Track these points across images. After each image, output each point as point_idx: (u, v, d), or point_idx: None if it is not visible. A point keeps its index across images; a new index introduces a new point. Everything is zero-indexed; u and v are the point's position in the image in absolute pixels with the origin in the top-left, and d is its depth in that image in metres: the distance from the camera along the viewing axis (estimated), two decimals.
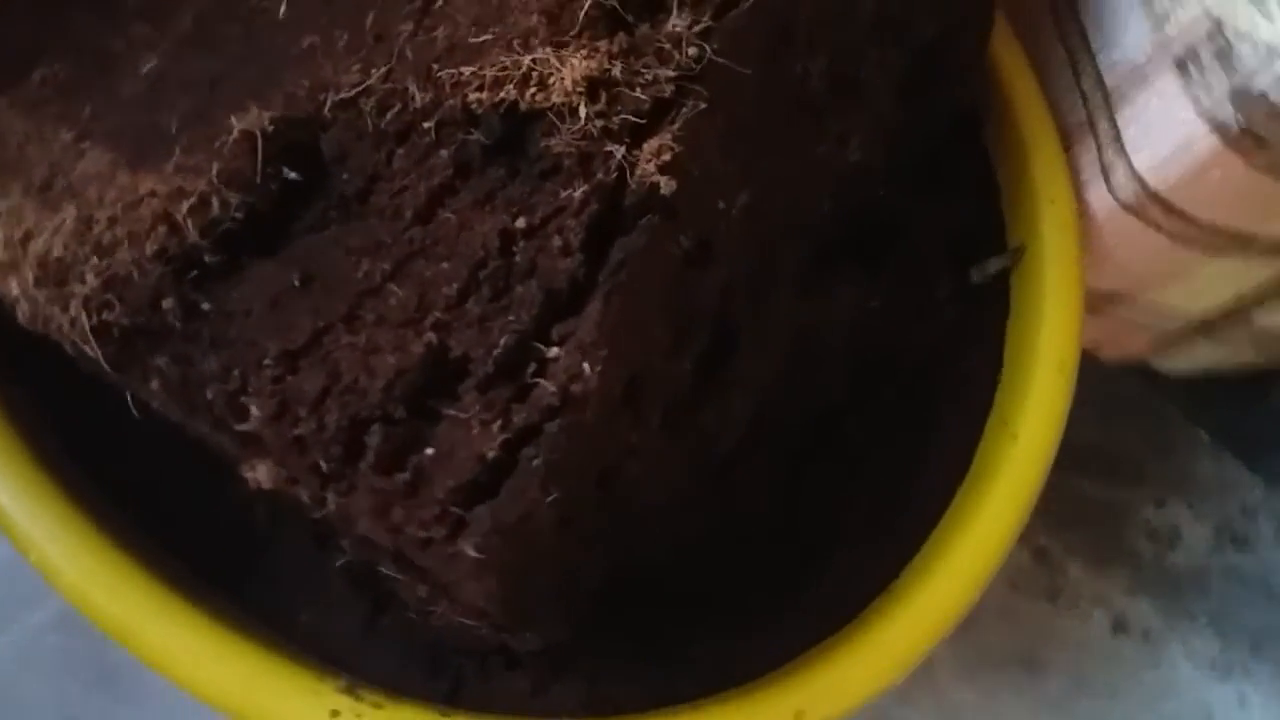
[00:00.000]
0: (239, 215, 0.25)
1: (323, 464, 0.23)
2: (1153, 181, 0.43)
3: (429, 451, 0.23)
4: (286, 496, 0.25)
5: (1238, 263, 0.47)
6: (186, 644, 0.32)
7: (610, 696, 0.36)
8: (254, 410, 0.24)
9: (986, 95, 0.47)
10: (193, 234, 0.25)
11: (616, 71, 0.26)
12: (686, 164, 0.26)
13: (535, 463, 0.23)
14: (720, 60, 0.27)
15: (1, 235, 0.26)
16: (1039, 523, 0.64)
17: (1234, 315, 0.54)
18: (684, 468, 0.34)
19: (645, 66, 0.26)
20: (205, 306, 0.25)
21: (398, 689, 0.34)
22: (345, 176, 0.26)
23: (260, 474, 0.25)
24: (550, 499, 0.24)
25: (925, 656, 0.36)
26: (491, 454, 0.23)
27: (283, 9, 0.29)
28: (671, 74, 0.26)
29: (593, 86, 0.26)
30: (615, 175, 0.25)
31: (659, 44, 0.26)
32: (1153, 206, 0.44)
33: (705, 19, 0.27)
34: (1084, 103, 0.46)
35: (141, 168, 0.26)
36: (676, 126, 0.26)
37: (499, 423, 0.23)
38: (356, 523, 0.24)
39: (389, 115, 0.26)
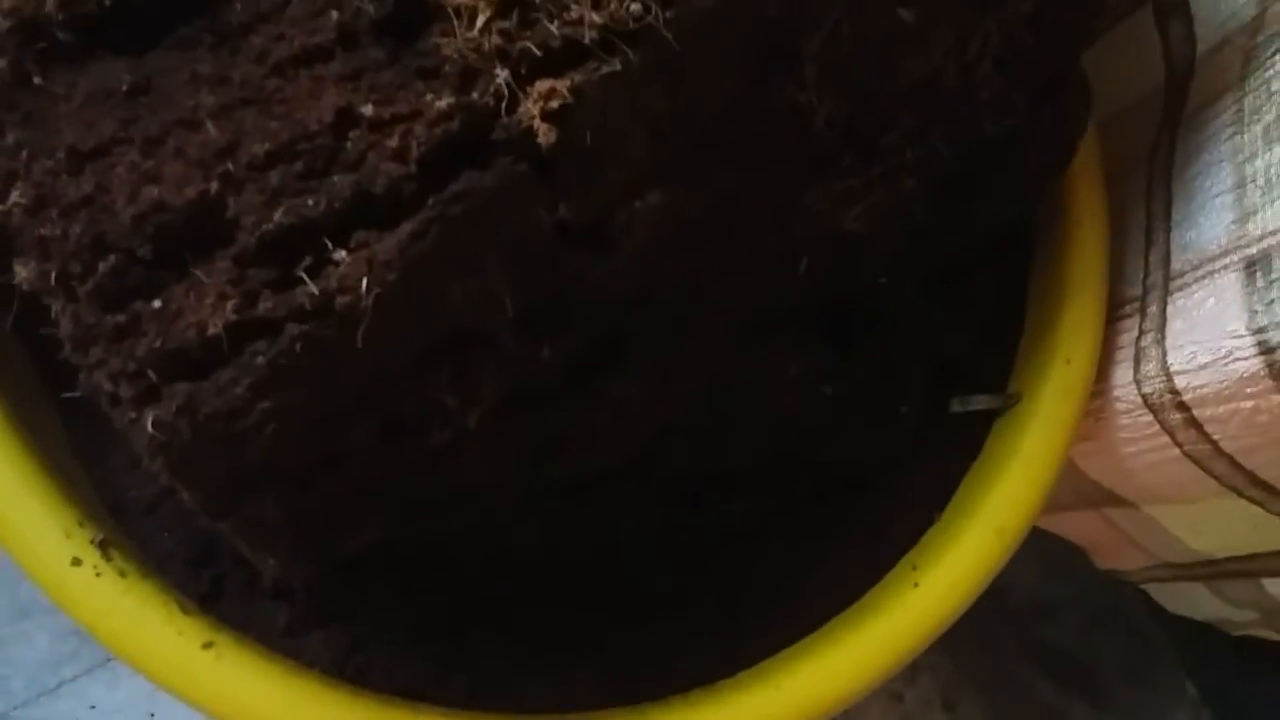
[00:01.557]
0: (107, 3, 0.23)
1: (54, 275, 0.21)
2: (1182, 386, 0.38)
3: (155, 303, 0.21)
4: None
5: (1256, 513, 0.42)
6: None
7: (369, 666, 0.33)
8: (14, 195, 0.22)
9: (1047, 223, 0.43)
10: (51, 5, 0.23)
11: None
12: (578, 122, 0.23)
13: (260, 359, 0.20)
14: (666, 34, 0.24)
15: None
16: (972, 700, 0.59)
17: (1244, 573, 0.48)
18: (522, 465, 0.31)
19: (575, 1, 0.23)
20: (36, 80, 0.23)
21: (157, 567, 0.32)
22: (237, 5, 0.24)
23: (23, 271, 0.23)
24: (266, 408, 0.21)
25: None
26: (214, 330, 0.20)
27: None
28: (599, 21, 0.23)
29: (506, 1, 0.23)
30: (491, 102, 0.23)
31: None
32: (1175, 413, 0.39)
33: None
34: (1144, 277, 0.41)
35: None
36: (579, 78, 0.23)
37: (237, 301, 0.21)
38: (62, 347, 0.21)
39: None
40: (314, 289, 0.21)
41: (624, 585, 0.36)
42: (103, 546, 0.31)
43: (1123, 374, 0.41)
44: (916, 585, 0.35)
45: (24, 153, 0.22)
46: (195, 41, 0.24)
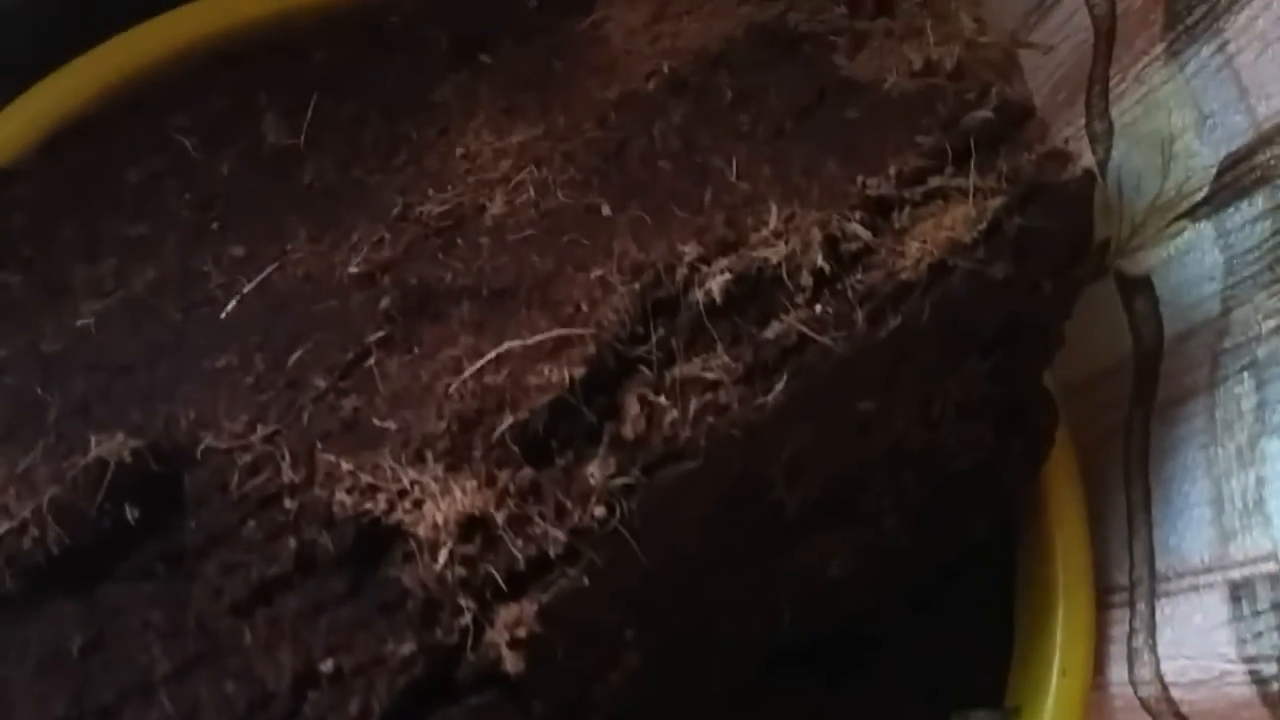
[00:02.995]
0: (54, 552, 0.23)
1: None
2: (1178, 698, 0.37)
3: None
4: None
5: None
6: None
7: None
8: None
9: (1027, 520, 0.43)
10: None
11: (501, 517, 0.22)
12: (549, 642, 0.22)
13: None
14: (625, 533, 0.23)
15: None
16: None
17: None
18: None
19: (539, 516, 0.23)
20: None
21: None
22: (192, 525, 0.24)
23: None
24: None
25: None
26: None
27: (230, 307, 0.28)
28: (562, 536, 0.22)
29: (469, 526, 0.22)
30: (457, 638, 0.22)
31: (561, 497, 0.23)
32: None
33: (633, 471, 0.24)
34: (1130, 569, 0.41)
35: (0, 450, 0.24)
36: (547, 597, 0.22)
37: None
38: None
39: (256, 479, 0.24)
40: None
41: None
42: None
43: (1118, 671, 0.40)
44: None
45: None
46: (148, 571, 0.23)
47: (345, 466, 0.23)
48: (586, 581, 0.22)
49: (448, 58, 0.36)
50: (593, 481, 0.23)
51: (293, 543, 0.23)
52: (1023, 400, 0.37)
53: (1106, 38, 0.44)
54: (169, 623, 0.22)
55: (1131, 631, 0.40)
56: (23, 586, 0.23)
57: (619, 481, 0.23)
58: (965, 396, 0.34)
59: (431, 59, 0.36)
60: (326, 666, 0.21)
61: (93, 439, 0.24)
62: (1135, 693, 0.39)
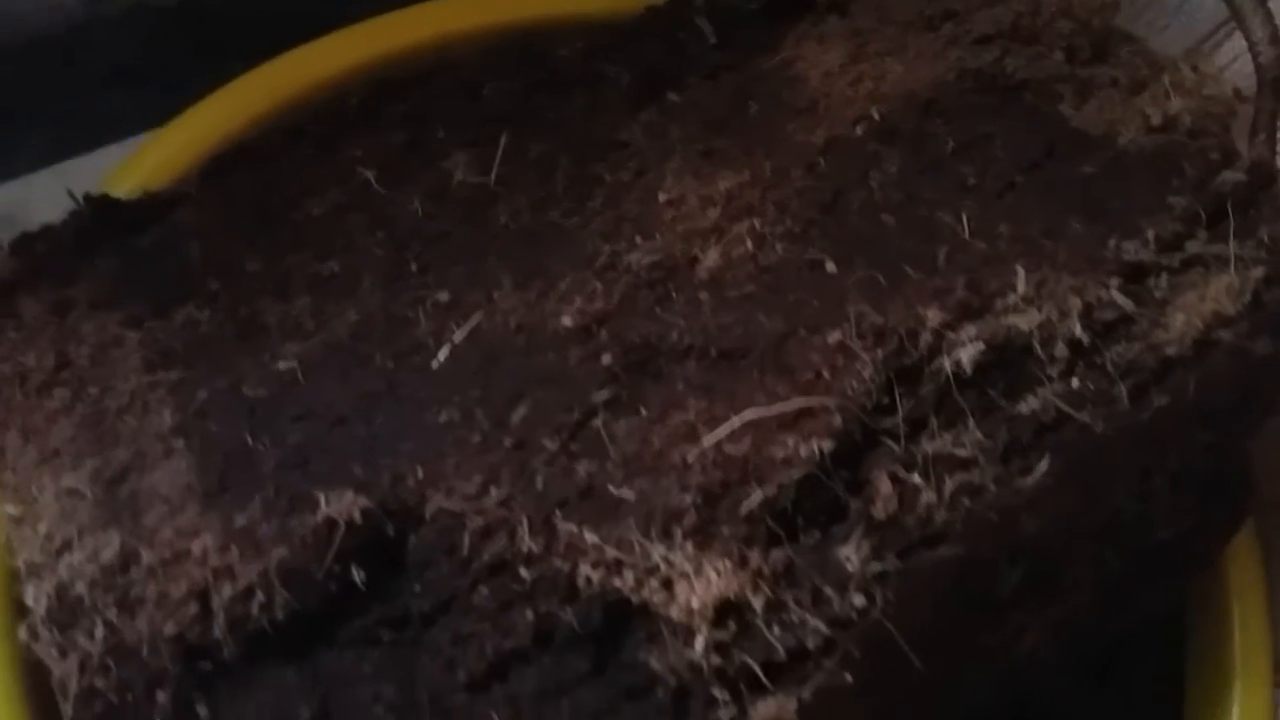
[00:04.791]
0: (279, 618, 0.22)
1: None
2: None
3: None
4: None
5: None
6: None
7: None
8: None
9: (1203, 597, 0.40)
10: (221, 626, 0.21)
11: (758, 602, 0.21)
12: None
13: None
14: (890, 614, 0.22)
15: (46, 528, 0.23)
16: None
17: None
18: None
19: (796, 603, 0.21)
20: (201, 711, 0.21)
21: None
22: (417, 589, 0.22)
23: None
24: None
25: None
26: None
27: (441, 355, 0.27)
28: (823, 627, 0.21)
29: (722, 610, 0.21)
30: None
31: (818, 583, 0.21)
32: None
33: (888, 556, 0.22)
34: None
35: (213, 508, 0.23)
36: (806, 692, 0.21)
37: None
38: None
39: (490, 544, 0.22)
40: None
41: None
42: None
43: None
44: None
45: None
46: (373, 638, 0.22)
47: (590, 539, 0.22)
48: (848, 678, 0.21)
49: (630, 95, 0.35)
50: (849, 567, 0.22)
51: (530, 615, 0.22)
52: (1228, 469, 0.35)
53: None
54: (400, 697, 0.21)
55: None
56: (243, 652, 0.22)
57: (876, 567, 0.22)
58: (1181, 469, 0.32)
59: (613, 96, 0.35)
60: None
61: (321, 496, 0.23)
62: None
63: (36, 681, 0.27)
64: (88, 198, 0.32)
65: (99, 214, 0.32)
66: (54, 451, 0.25)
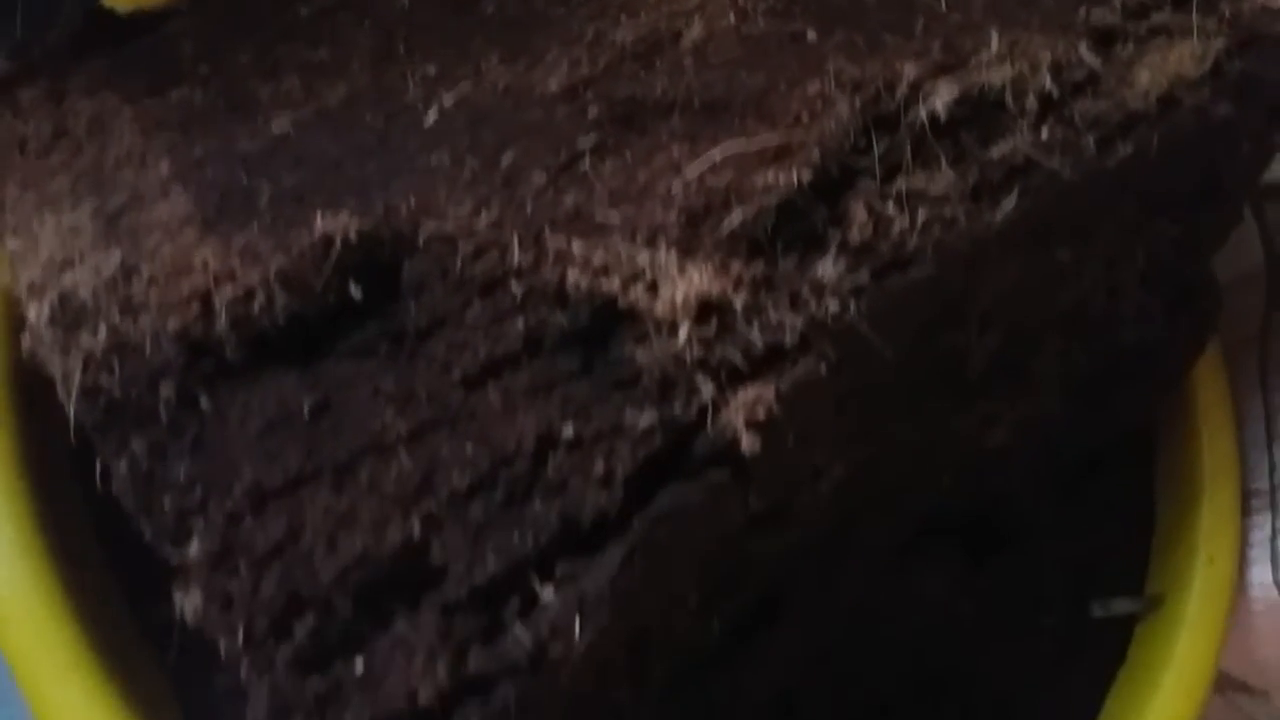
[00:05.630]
0: (280, 321, 0.22)
1: (241, 630, 0.20)
2: None
3: (358, 664, 0.19)
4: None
5: None
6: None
7: None
8: (195, 542, 0.20)
9: (1171, 415, 0.42)
10: (223, 325, 0.22)
11: (738, 300, 0.22)
12: (782, 427, 0.22)
13: None
14: (864, 327, 0.23)
15: (47, 253, 0.24)
16: None
17: None
18: None
19: (773, 305, 0.22)
20: (203, 404, 0.22)
21: None
22: (412, 310, 0.23)
23: (188, 605, 0.21)
24: None
25: None
26: (425, 697, 0.19)
27: (430, 116, 0.27)
28: (800, 324, 0.22)
29: (705, 308, 0.22)
30: (694, 415, 0.21)
31: (796, 288, 0.22)
32: None
33: (862, 275, 0.23)
34: (1271, 472, 0.40)
35: (212, 232, 0.24)
36: (785, 383, 0.22)
37: (447, 659, 0.19)
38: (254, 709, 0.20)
39: (481, 263, 0.23)
40: (525, 639, 0.19)
41: None
42: None
43: (1260, 574, 0.39)
44: None
45: (198, 489, 0.21)
46: (371, 349, 0.23)
47: (578, 249, 0.22)
48: (823, 371, 0.22)
49: None
50: (825, 279, 0.23)
51: (520, 324, 0.23)
52: (1193, 281, 0.36)
53: None
54: (400, 391, 0.22)
55: (1275, 532, 0.39)
56: (245, 356, 0.23)
57: (850, 281, 0.23)
58: (1148, 264, 0.33)
59: None
60: (567, 432, 0.21)
61: (318, 215, 0.24)
62: None
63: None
64: (83, 7, 0.32)
65: (93, 21, 0.32)
66: (53, 197, 0.26)
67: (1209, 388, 0.41)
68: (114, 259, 0.23)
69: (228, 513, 0.20)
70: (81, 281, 0.23)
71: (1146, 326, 0.35)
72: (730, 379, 0.22)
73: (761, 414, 0.21)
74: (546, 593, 0.20)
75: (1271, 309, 0.43)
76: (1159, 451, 0.42)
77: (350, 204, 0.24)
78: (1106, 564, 0.40)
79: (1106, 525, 0.41)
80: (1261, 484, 0.41)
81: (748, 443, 0.21)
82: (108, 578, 0.32)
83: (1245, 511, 0.41)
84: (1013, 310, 0.29)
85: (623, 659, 0.24)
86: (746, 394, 0.21)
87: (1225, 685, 0.46)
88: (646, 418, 0.21)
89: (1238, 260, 0.44)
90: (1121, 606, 0.39)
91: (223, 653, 0.21)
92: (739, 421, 0.21)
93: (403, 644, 0.19)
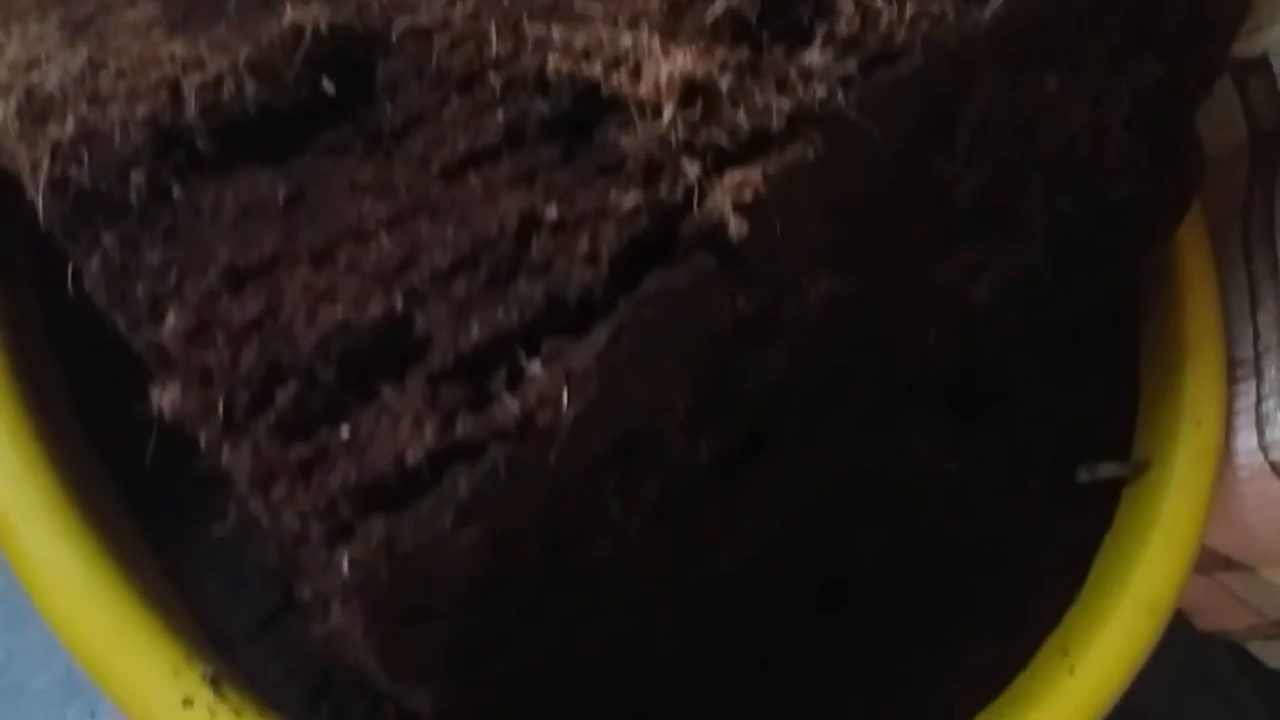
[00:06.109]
0: (251, 111, 0.22)
1: (221, 405, 0.19)
2: None
3: (343, 430, 0.19)
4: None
5: None
6: (63, 565, 0.28)
7: None
8: (171, 318, 0.20)
9: (1154, 282, 0.42)
10: (192, 111, 0.21)
11: (723, 82, 0.21)
12: (770, 213, 0.21)
13: (461, 486, 0.19)
14: (852, 116, 0.22)
15: (12, 57, 0.23)
16: None
17: None
18: (667, 568, 0.29)
19: (760, 89, 0.22)
20: (175, 193, 0.21)
21: (270, 702, 0.29)
22: (388, 110, 0.23)
23: (166, 398, 0.21)
24: (466, 538, 0.19)
25: None
26: (413, 458, 0.18)
27: None
28: (786, 107, 0.21)
29: (690, 90, 0.21)
30: (680, 197, 0.21)
31: (784, 73, 0.22)
32: None
33: (849, 65, 0.23)
34: (1255, 339, 0.40)
35: (180, 33, 0.23)
36: (772, 167, 0.21)
37: (435, 424, 0.19)
38: (238, 484, 0.19)
39: (457, 56, 0.23)
40: (513, 407, 0.19)
41: (758, 691, 0.34)
42: (214, 683, 0.28)
43: (1246, 441, 0.40)
44: (1072, 671, 0.33)
45: (174, 272, 0.21)
46: (345, 147, 0.22)
47: (558, 34, 0.22)
48: (811, 157, 0.21)
49: None
50: (813, 67, 0.22)
51: (500, 116, 0.22)
52: (1177, 137, 0.36)
53: None
54: (378, 182, 0.21)
55: (1260, 399, 0.40)
56: (217, 148, 0.22)
57: (838, 71, 0.22)
58: (1133, 106, 0.33)
59: None
60: (551, 214, 0.20)
61: (287, 6, 0.23)
62: (1266, 457, 0.39)
63: None
64: None
65: None
66: (20, 12, 0.25)
67: (1193, 256, 0.41)
68: (81, 56, 0.23)
69: (204, 292, 0.20)
70: (48, 77, 0.22)
71: (1131, 178, 0.34)
72: (716, 162, 0.21)
73: (748, 196, 0.21)
74: (534, 366, 0.20)
75: (1254, 182, 0.43)
76: (1143, 320, 0.42)
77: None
78: (1092, 428, 0.40)
79: (1092, 390, 0.41)
80: (1245, 352, 0.41)
81: (735, 225, 0.21)
82: (82, 433, 0.32)
83: (1230, 380, 0.41)
84: (1000, 141, 0.29)
85: (613, 467, 0.24)
86: (733, 176, 0.21)
87: (1211, 565, 0.47)
88: (631, 198, 0.21)
89: (1222, 136, 0.44)
90: (1108, 471, 0.40)
91: (203, 443, 0.20)
92: (726, 205, 0.21)
93: (389, 411, 0.19)
